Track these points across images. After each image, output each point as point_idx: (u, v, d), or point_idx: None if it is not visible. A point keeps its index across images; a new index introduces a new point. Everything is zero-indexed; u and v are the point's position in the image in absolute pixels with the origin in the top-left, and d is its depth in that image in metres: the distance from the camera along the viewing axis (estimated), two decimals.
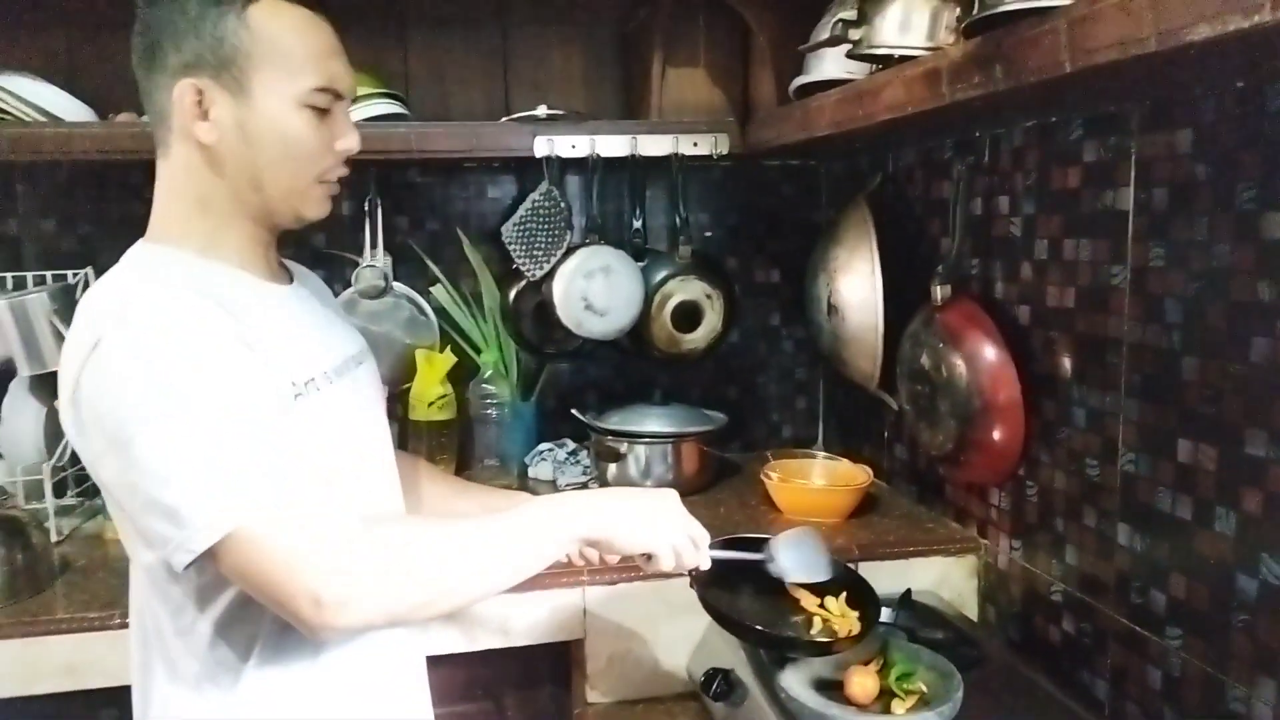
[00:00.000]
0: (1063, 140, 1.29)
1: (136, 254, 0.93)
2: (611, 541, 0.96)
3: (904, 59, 1.18)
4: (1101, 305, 1.22)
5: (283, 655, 0.91)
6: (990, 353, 1.34)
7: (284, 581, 0.78)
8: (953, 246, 1.45)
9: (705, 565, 1.04)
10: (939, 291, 1.41)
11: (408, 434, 1.87)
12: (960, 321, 1.38)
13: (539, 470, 1.91)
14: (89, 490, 1.75)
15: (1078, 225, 1.27)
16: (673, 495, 1.02)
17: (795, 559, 1.16)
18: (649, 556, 0.99)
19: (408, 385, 1.88)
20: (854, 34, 1.20)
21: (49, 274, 1.72)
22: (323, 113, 0.92)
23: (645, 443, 1.80)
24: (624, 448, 1.80)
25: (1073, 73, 0.89)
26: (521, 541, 0.91)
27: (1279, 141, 0.96)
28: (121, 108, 1.65)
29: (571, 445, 1.95)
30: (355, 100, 1.70)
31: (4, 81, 1.56)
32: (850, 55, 1.24)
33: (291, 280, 1.03)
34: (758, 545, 1.18)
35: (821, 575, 1.17)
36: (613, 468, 1.81)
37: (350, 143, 0.95)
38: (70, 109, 1.60)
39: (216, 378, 0.81)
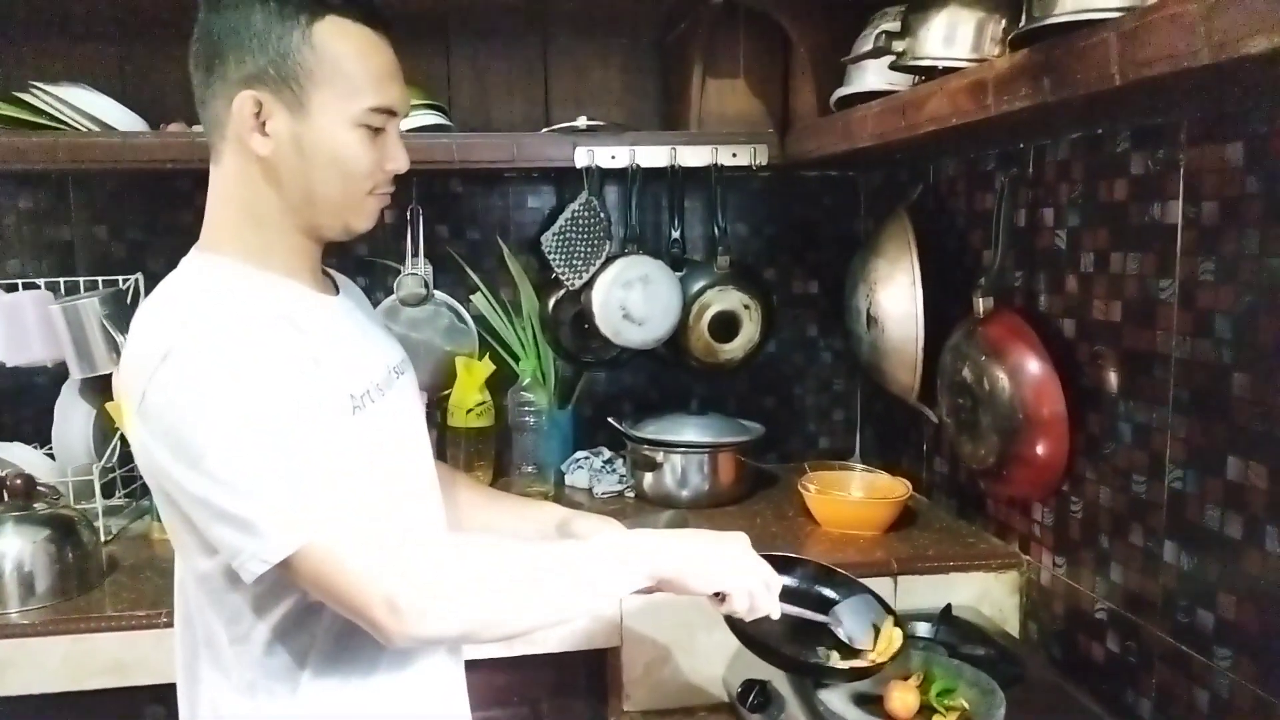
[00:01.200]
0: (1109, 152, 1.27)
1: (193, 263, 0.94)
2: (685, 580, 0.95)
3: (948, 70, 1.18)
4: (1149, 319, 1.21)
5: (338, 664, 0.93)
6: (1034, 366, 1.32)
7: (361, 589, 0.80)
8: (995, 258, 1.44)
9: (775, 615, 1.03)
10: (981, 304, 1.40)
11: (446, 440, 1.89)
12: (1003, 334, 1.37)
13: (575, 478, 1.92)
14: (137, 491, 1.79)
15: (1124, 238, 1.25)
16: (744, 539, 1.01)
17: (860, 624, 1.16)
18: (722, 599, 0.98)
19: (447, 392, 1.90)
20: (898, 45, 1.20)
21: (100, 279, 1.76)
22: (377, 131, 0.94)
23: (681, 452, 1.80)
24: (660, 457, 1.80)
25: (1123, 85, 0.88)
26: (599, 572, 0.92)
27: None
28: (172, 118, 1.69)
29: (608, 454, 1.96)
30: None
31: (59, 91, 1.60)
32: (893, 67, 1.24)
33: (338, 291, 1.05)
34: (793, 565, 1.18)
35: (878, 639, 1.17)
36: (649, 477, 1.82)
37: (400, 163, 0.97)
38: (122, 119, 1.64)
39: (288, 390, 0.83)
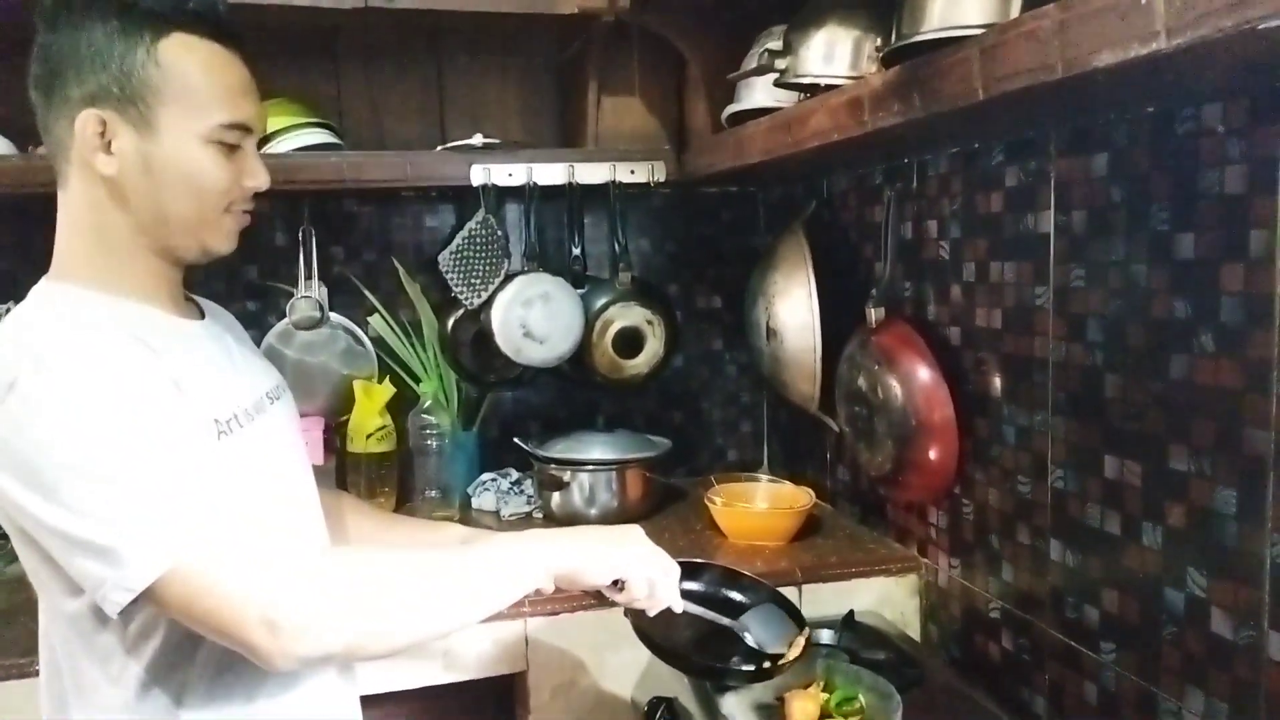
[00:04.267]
0: (985, 165, 1.32)
1: (42, 292, 0.90)
2: (582, 572, 0.93)
3: (829, 88, 1.20)
4: (1027, 325, 1.25)
5: (215, 701, 0.88)
6: (924, 373, 1.36)
7: (234, 610, 0.76)
8: (885, 270, 1.47)
9: (678, 608, 1.02)
10: (873, 314, 1.43)
11: (347, 466, 1.84)
12: (894, 343, 1.40)
13: (482, 501, 1.89)
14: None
15: (1002, 248, 1.30)
16: (639, 530, 1.00)
17: (769, 630, 1.15)
18: (620, 588, 0.97)
19: (346, 417, 1.85)
20: (780, 63, 1.22)
21: None
22: (231, 148, 0.91)
23: (589, 470, 1.78)
24: (567, 476, 1.78)
25: (986, 100, 0.91)
26: (491, 574, 0.89)
27: (1188, 164, 0.99)
28: (40, 140, 1.61)
29: (515, 475, 1.94)
30: (288, 130, 1.69)
31: None
32: (777, 84, 1.26)
33: (202, 316, 1.01)
34: (700, 571, 1.17)
35: (790, 647, 1.16)
36: (556, 496, 1.80)
37: (259, 180, 0.94)
38: None
39: (143, 414, 0.79)
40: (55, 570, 0.82)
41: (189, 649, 0.86)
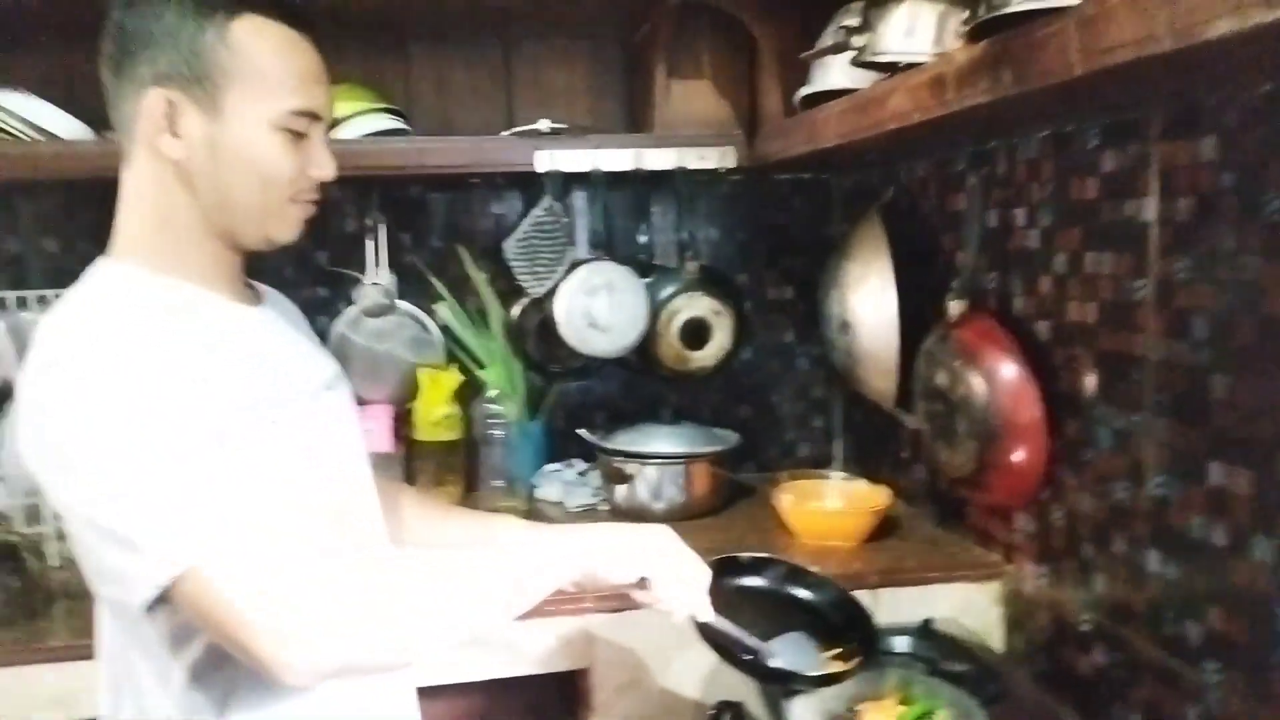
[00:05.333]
0: (1080, 149, 1.23)
1: (99, 272, 0.89)
2: (604, 570, 0.89)
3: (910, 66, 1.13)
4: (1125, 321, 1.16)
5: (265, 706, 0.87)
6: (1009, 370, 1.28)
7: (245, 620, 0.74)
8: (969, 260, 1.39)
9: (704, 617, 0.97)
10: (955, 307, 1.36)
11: (412, 454, 1.84)
12: (977, 338, 1.32)
13: (547, 491, 1.86)
14: None
15: (1098, 237, 1.21)
16: (667, 530, 0.96)
17: (794, 657, 1.08)
18: (645, 585, 0.92)
19: (412, 405, 1.85)
20: (857, 41, 1.16)
21: (51, 293, 1.70)
22: (298, 136, 0.89)
23: (655, 464, 1.75)
24: (633, 469, 1.75)
25: (1083, 75, 0.84)
26: (507, 577, 0.86)
27: None
28: None
29: (581, 466, 1.91)
30: (356, 116, 1.69)
31: (2, 99, 1.55)
32: (855, 63, 1.19)
33: (260, 302, 0.99)
34: (760, 567, 1.12)
35: (816, 670, 1.09)
36: (622, 489, 1.77)
37: (325, 170, 0.92)
38: (67, 127, 1.59)
39: (179, 405, 0.78)
40: (91, 559, 0.82)
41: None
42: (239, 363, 0.87)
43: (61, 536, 1.59)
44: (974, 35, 0.97)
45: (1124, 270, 1.16)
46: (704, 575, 0.95)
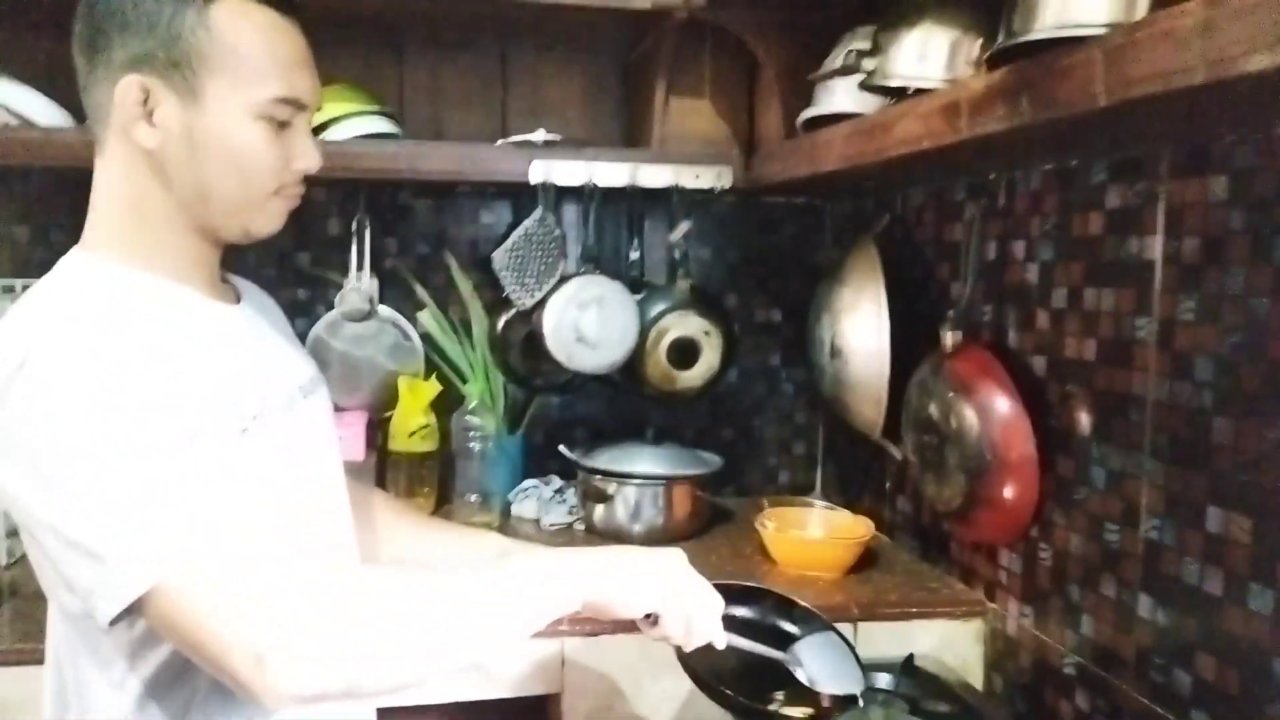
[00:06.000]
0: (1084, 184, 1.22)
1: (69, 263, 0.84)
2: (611, 603, 0.83)
3: (920, 92, 1.12)
4: (1125, 359, 1.15)
5: (223, 718, 0.82)
6: (1003, 405, 1.26)
7: (220, 637, 0.68)
8: (964, 291, 1.38)
9: (719, 644, 0.92)
10: (950, 338, 1.34)
11: (387, 463, 1.79)
12: (972, 370, 1.30)
13: (523, 508, 1.82)
14: None
15: (1100, 274, 1.20)
16: (680, 555, 0.90)
17: (824, 666, 1.05)
18: (654, 622, 0.87)
19: (389, 413, 1.80)
20: (867, 64, 1.14)
21: (19, 283, 1.64)
22: (282, 125, 0.84)
23: (635, 484, 1.71)
24: (612, 488, 1.71)
25: (1107, 107, 0.82)
26: (507, 606, 0.80)
27: None
28: None
29: (558, 483, 1.87)
30: (347, 117, 1.65)
31: None
32: (863, 86, 1.18)
33: (239, 300, 0.95)
34: (752, 597, 1.09)
35: (854, 686, 1.06)
36: (600, 509, 1.73)
37: (309, 162, 0.87)
38: (47, 114, 1.54)
39: (153, 409, 0.73)
40: (53, 567, 0.76)
41: (195, 666, 0.79)
42: (213, 363, 0.82)
43: (11, 534, 1.53)
44: (993, 62, 0.95)
45: (1126, 308, 1.15)
46: (717, 603, 0.90)
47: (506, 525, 1.78)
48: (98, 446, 0.70)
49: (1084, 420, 1.22)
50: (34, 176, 1.75)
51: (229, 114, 0.81)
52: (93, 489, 0.70)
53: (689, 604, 0.88)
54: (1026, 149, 1.20)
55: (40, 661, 1.20)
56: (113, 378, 0.73)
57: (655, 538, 1.70)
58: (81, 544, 0.70)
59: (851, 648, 1.11)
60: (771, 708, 1.05)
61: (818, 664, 1.06)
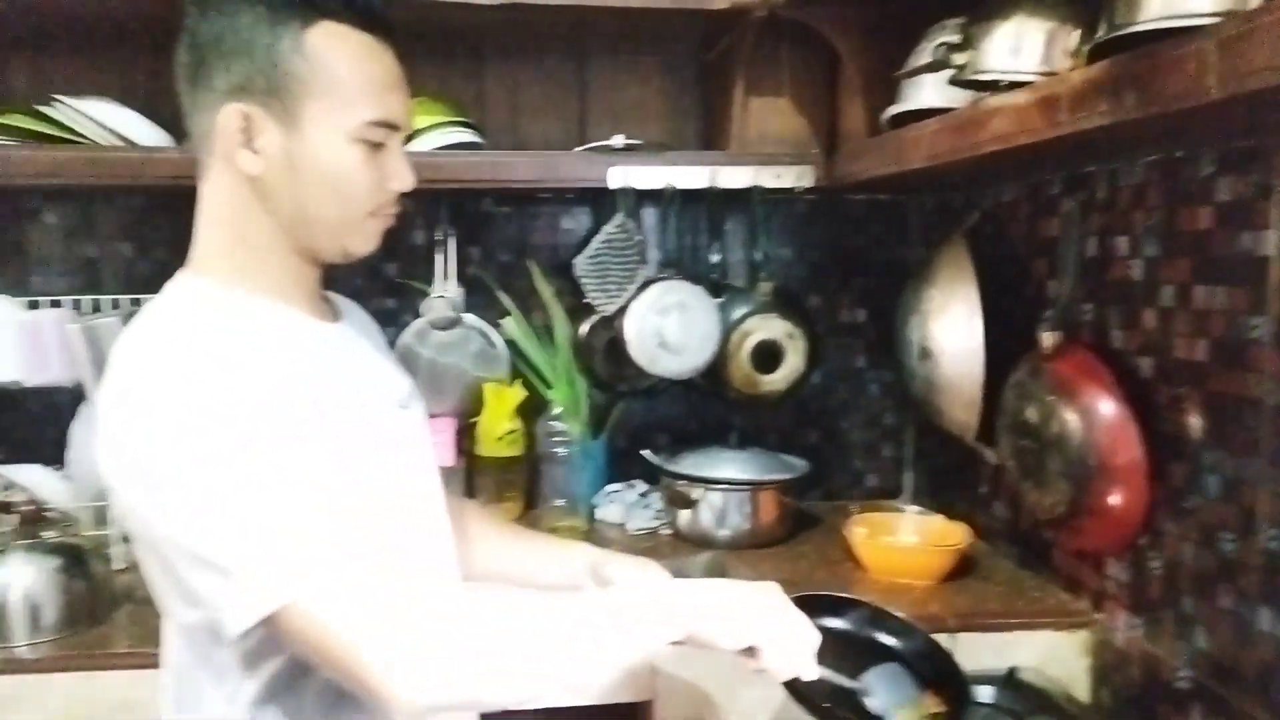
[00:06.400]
0: (1191, 176, 1.16)
1: (177, 287, 0.88)
2: (713, 635, 0.84)
3: (1014, 86, 1.08)
4: (1238, 360, 1.09)
5: None
6: (1108, 408, 1.21)
7: (353, 653, 0.71)
8: (1063, 290, 1.33)
9: (810, 676, 0.91)
10: (1048, 338, 1.29)
11: (474, 470, 1.82)
12: (1073, 373, 1.25)
13: (608, 512, 1.83)
14: None
15: (1210, 270, 1.14)
16: (777, 589, 0.90)
17: (893, 695, 1.02)
18: (753, 654, 0.87)
19: (475, 419, 1.82)
20: (958, 59, 1.11)
21: (126, 298, 1.72)
22: (376, 147, 0.86)
23: (720, 489, 1.70)
24: (697, 494, 1.70)
25: (1220, 100, 0.78)
26: (621, 633, 0.81)
27: None
28: None
29: (643, 487, 1.87)
30: (430, 129, 1.68)
31: (83, 106, 1.56)
32: (954, 82, 1.14)
33: (338, 317, 0.97)
34: (841, 607, 1.07)
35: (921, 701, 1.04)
36: (685, 514, 1.72)
37: (403, 182, 0.89)
38: (147, 134, 1.60)
39: (268, 426, 0.75)
40: (174, 581, 0.79)
41: (305, 675, 0.82)
42: (320, 381, 0.84)
43: (127, 539, 1.60)
44: (1095, 54, 0.91)
45: (1239, 306, 1.09)
46: (814, 638, 0.90)
47: (592, 529, 1.79)
48: (217, 467, 0.72)
49: (1195, 425, 1.16)
50: (136, 195, 1.83)
51: (326, 138, 0.83)
52: (217, 505, 0.72)
53: (786, 638, 0.87)
54: (1129, 142, 1.15)
55: (153, 664, 1.27)
56: (228, 395, 0.75)
57: (741, 543, 1.69)
58: (209, 559, 0.72)
59: (948, 666, 1.08)
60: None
61: (888, 693, 1.03)
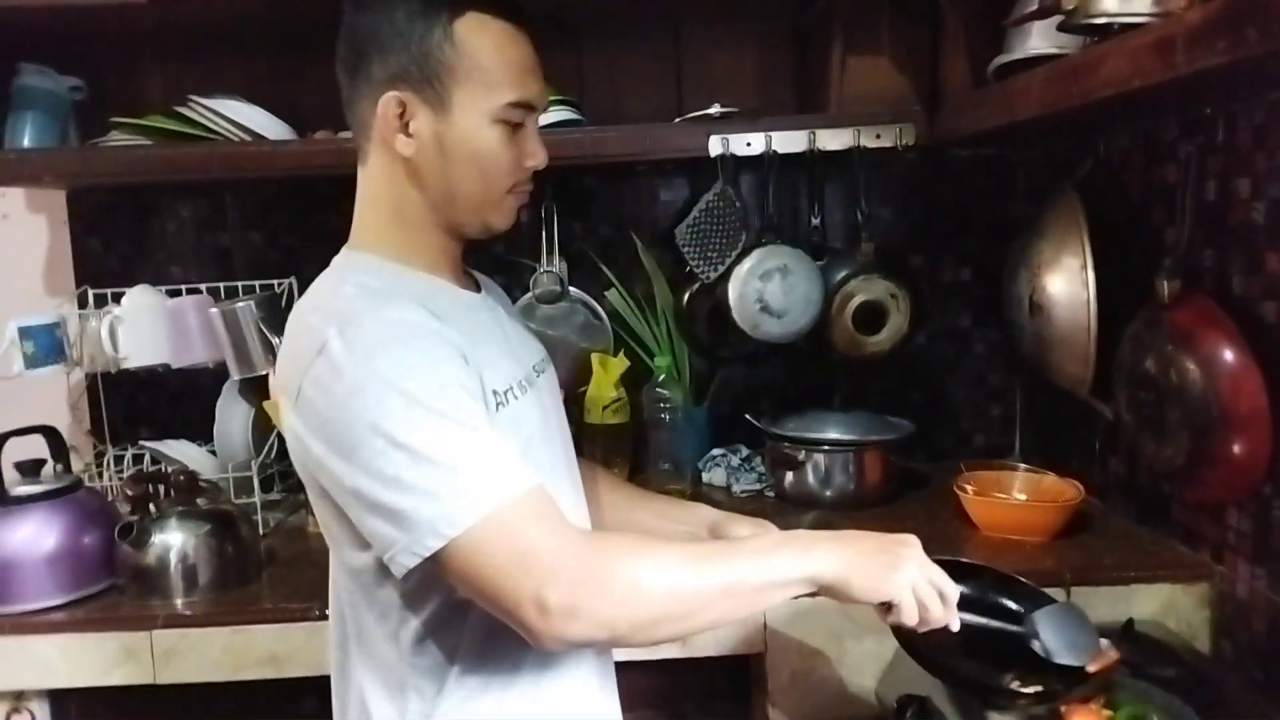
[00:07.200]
0: None
1: (344, 261, 0.95)
2: (849, 587, 0.87)
3: (1126, 29, 1.06)
4: None
5: (484, 663, 0.91)
6: (1230, 356, 1.18)
7: (509, 587, 0.77)
8: (1182, 237, 1.29)
9: (955, 627, 0.93)
10: (1166, 287, 1.26)
11: (583, 437, 1.88)
12: (1193, 320, 1.23)
13: (713, 476, 1.87)
14: (293, 486, 1.86)
15: None
16: (914, 541, 0.92)
17: (1062, 637, 1.03)
18: (889, 608, 0.90)
19: (583, 389, 1.88)
20: (1068, 3, 1.09)
21: (257, 284, 1.83)
22: (516, 127, 0.92)
23: (825, 450, 1.72)
24: (802, 455, 1.72)
25: None
26: (758, 576, 0.85)
27: None
28: (318, 126, 1.74)
29: (745, 451, 1.90)
30: None
31: (213, 104, 1.67)
32: (1062, 28, 1.13)
33: (480, 289, 1.04)
34: (970, 573, 1.08)
35: (1090, 662, 1.04)
36: (790, 476, 1.75)
37: (539, 159, 0.95)
38: (273, 128, 1.70)
39: (441, 382, 0.82)
40: (346, 525, 0.86)
41: (461, 613, 0.89)
42: (477, 344, 0.90)
43: (266, 506, 1.72)
44: None
45: None
46: (954, 592, 0.92)
47: (698, 493, 1.83)
48: (393, 417, 0.79)
49: None
50: (264, 187, 1.94)
51: (472, 120, 0.90)
52: (391, 455, 0.78)
53: (924, 592, 0.89)
54: (1249, 81, 1.11)
55: (299, 619, 1.38)
56: (402, 356, 0.81)
57: (846, 503, 1.71)
58: (385, 505, 0.79)
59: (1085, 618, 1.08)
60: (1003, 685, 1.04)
61: (1056, 636, 1.03)
